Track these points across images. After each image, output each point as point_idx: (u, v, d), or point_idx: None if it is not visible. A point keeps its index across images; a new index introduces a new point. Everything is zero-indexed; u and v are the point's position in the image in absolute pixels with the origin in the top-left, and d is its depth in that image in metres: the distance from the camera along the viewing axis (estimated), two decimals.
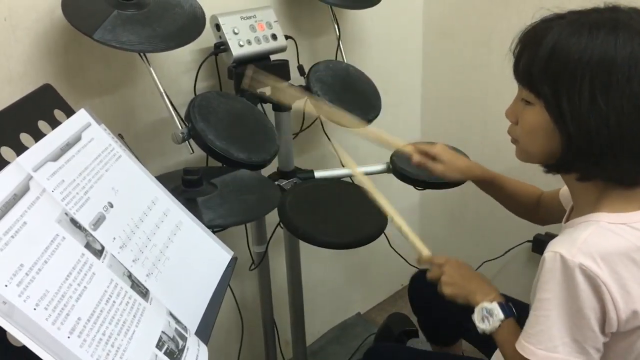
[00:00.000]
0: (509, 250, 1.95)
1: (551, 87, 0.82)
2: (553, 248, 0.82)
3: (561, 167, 0.88)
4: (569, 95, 0.80)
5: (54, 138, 0.72)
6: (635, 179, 0.85)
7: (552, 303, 0.82)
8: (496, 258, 1.95)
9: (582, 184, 0.88)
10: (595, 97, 0.78)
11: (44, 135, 0.72)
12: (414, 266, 1.64)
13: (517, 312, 0.97)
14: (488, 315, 0.98)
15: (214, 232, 0.94)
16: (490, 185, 1.26)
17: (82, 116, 0.79)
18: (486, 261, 1.91)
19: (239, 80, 1.32)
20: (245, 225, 1.54)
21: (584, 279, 0.79)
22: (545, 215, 1.22)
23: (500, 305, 0.98)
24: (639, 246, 0.82)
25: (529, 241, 1.89)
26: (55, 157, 0.70)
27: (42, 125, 0.74)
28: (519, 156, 0.95)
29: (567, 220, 0.96)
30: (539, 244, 1.86)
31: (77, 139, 0.76)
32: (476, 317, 0.99)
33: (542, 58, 0.82)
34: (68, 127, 0.76)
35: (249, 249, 1.54)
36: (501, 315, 0.96)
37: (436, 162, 1.25)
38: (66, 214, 0.66)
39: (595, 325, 0.81)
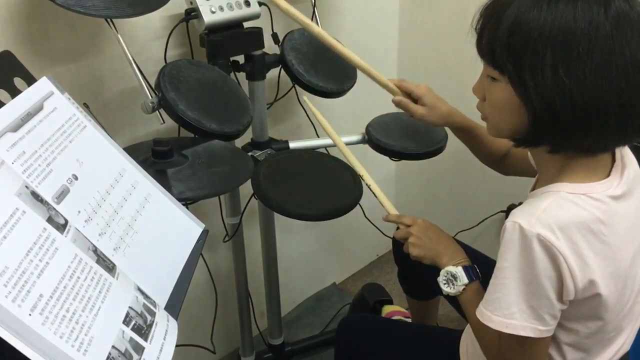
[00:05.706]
0: (483, 221, 1.97)
1: (514, 63, 0.81)
2: (513, 218, 0.84)
3: (530, 141, 0.88)
4: (532, 71, 0.79)
5: (14, 107, 0.69)
6: (602, 147, 0.85)
7: (510, 271, 0.84)
8: (470, 228, 1.98)
9: (547, 155, 0.88)
10: (557, 70, 0.77)
11: (3, 104, 0.69)
12: (389, 236, 1.64)
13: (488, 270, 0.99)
14: (452, 279, 1.01)
15: (187, 203, 0.92)
16: (468, 133, 1.25)
17: (44, 84, 0.76)
18: (461, 231, 1.93)
19: (212, 48, 1.29)
20: (219, 197, 1.52)
21: (542, 249, 0.80)
22: (509, 167, 1.24)
23: (465, 269, 1.01)
24: (598, 216, 0.83)
25: (502, 211, 1.91)
26: (15, 128, 0.67)
27: (0, 93, 0.71)
28: (490, 132, 0.95)
29: (533, 189, 0.97)
30: None
31: (39, 108, 0.73)
32: (441, 280, 1.03)
33: (503, 34, 0.81)
34: (29, 96, 0.72)
35: (223, 220, 1.52)
36: (465, 280, 1.00)
37: (417, 104, 1.24)
38: (27, 187, 0.63)
39: (552, 293, 0.82)
